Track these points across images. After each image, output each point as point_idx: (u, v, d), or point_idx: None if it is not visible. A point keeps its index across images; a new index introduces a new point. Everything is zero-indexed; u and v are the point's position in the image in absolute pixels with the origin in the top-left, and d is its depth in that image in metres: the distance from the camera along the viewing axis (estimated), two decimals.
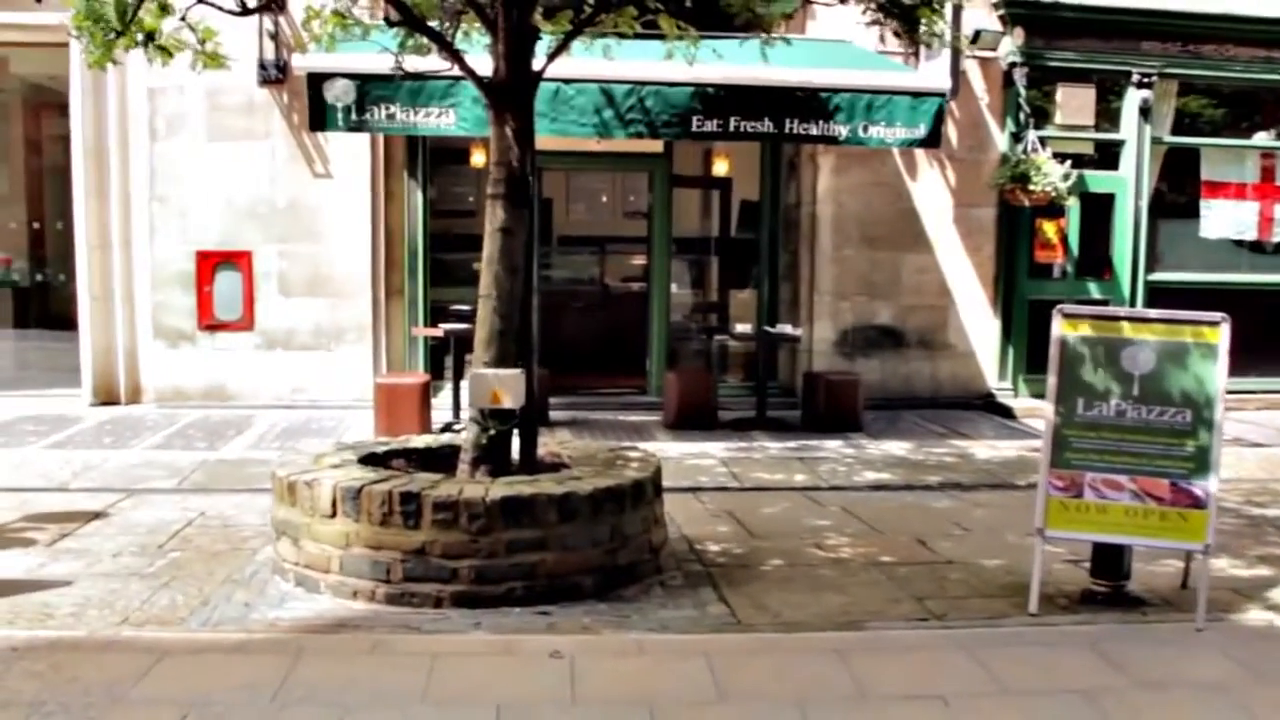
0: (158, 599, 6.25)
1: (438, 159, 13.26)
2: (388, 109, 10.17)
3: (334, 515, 6.11)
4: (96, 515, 8.13)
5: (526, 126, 6.77)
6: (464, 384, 12.35)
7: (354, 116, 10.15)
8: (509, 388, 6.61)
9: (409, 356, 12.76)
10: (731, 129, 10.41)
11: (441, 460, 7.11)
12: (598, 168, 14.59)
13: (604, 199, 17.42)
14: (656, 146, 12.84)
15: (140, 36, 6.94)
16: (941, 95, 10.68)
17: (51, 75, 13.58)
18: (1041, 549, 6.09)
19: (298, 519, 6.27)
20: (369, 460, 6.96)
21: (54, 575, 6.66)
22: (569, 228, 16.85)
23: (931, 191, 13.09)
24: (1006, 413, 12.80)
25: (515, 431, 6.89)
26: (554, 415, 11.91)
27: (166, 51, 6.89)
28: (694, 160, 14.29)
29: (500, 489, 6.07)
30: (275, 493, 6.50)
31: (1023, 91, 13.03)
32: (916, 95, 10.56)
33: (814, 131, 10.45)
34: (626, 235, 15.89)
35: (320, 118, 10.18)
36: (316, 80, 10.19)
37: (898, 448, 10.89)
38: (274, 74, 12.30)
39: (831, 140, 10.66)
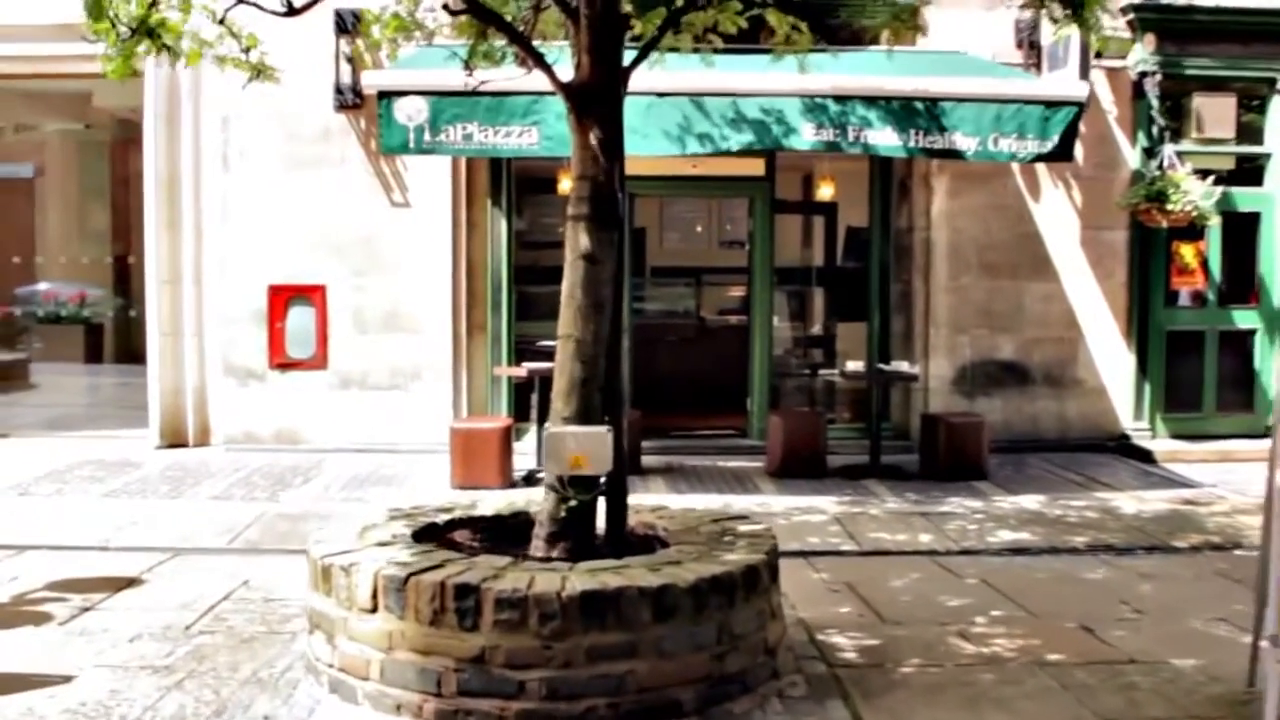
0: (164, 705, 4.94)
1: (523, 185, 11.97)
2: (464, 129, 8.88)
3: (374, 610, 4.75)
4: (130, 582, 6.91)
5: (614, 134, 5.41)
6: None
7: (428, 137, 8.87)
8: (593, 450, 5.22)
9: (492, 398, 11.45)
10: (849, 140, 8.94)
11: (514, 532, 5.73)
12: (695, 193, 13.16)
13: (699, 228, 16.02)
14: (757, 169, 11.43)
15: (161, 39, 5.71)
16: (1079, 104, 9.13)
17: (133, 108, 12.54)
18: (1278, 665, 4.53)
19: (333, 612, 4.93)
20: (426, 534, 5.61)
21: (56, 666, 5.41)
22: (663, 258, 15.47)
23: (1056, 213, 11.51)
24: (1145, 456, 11.13)
25: (601, 499, 5.49)
26: (646, 460, 10.51)
27: (174, 53, 5.68)
28: (796, 184, 12.86)
29: (580, 580, 4.67)
30: (309, 576, 5.17)
31: (1155, 103, 11.42)
32: (1050, 105, 9.02)
33: (938, 145, 8.96)
34: (724, 265, 14.49)
35: (392, 139, 8.92)
36: (388, 98, 8.93)
37: (1031, 500, 9.32)
38: (350, 98, 11.12)
39: (956, 155, 9.15)
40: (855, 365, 10.50)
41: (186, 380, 11.57)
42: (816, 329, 13.56)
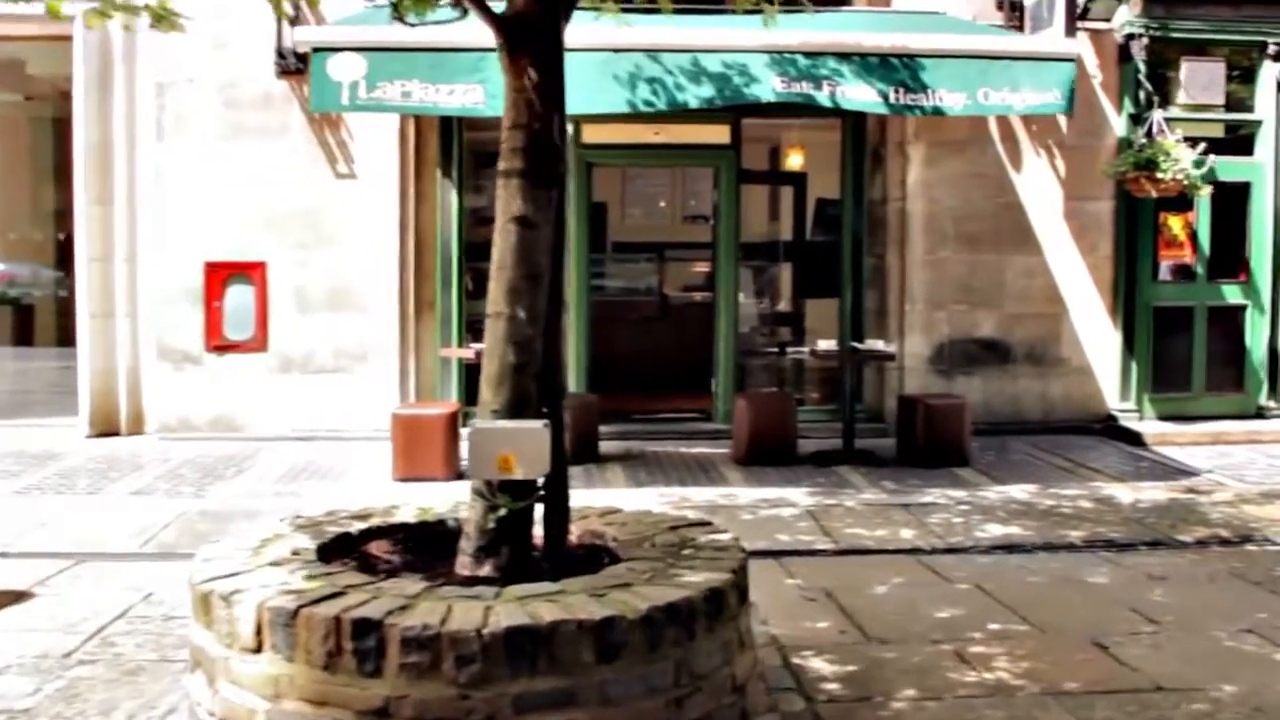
0: None
1: (476, 155, 10.94)
2: (403, 86, 7.90)
3: (259, 649, 3.79)
4: (17, 597, 5.92)
5: (553, 75, 4.43)
6: None
7: (363, 94, 7.89)
8: (527, 448, 4.26)
9: (441, 381, 10.46)
10: (822, 95, 7.98)
11: (442, 543, 4.75)
12: (657, 161, 12.14)
13: (662, 203, 15.03)
14: (722, 136, 10.46)
15: None
16: (1072, 60, 8.22)
17: (69, 76, 11.46)
18: None
19: (213, 649, 3.97)
20: (336, 547, 4.64)
21: None
22: (625, 233, 14.49)
23: (1038, 183, 10.60)
24: (1134, 439, 10.26)
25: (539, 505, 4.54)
26: (605, 447, 9.59)
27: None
28: (764, 154, 11.89)
29: (507, 611, 3.72)
30: (191, 605, 4.20)
31: (1142, 67, 10.51)
32: (1042, 60, 8.09)
33: (922, 102, 8.02)
34: (688, 241, 13.55)
35: (324, 96, 7.94)
36: (322, 54, 7.93)
37: (1018, 489, 8.42)
38: (293, 63, 10.06)
39: (941, 112, 8.20)
40: (827, 344, 9.56)
41: (119, 364, 10.53)
42: (785, 306, 12.65)
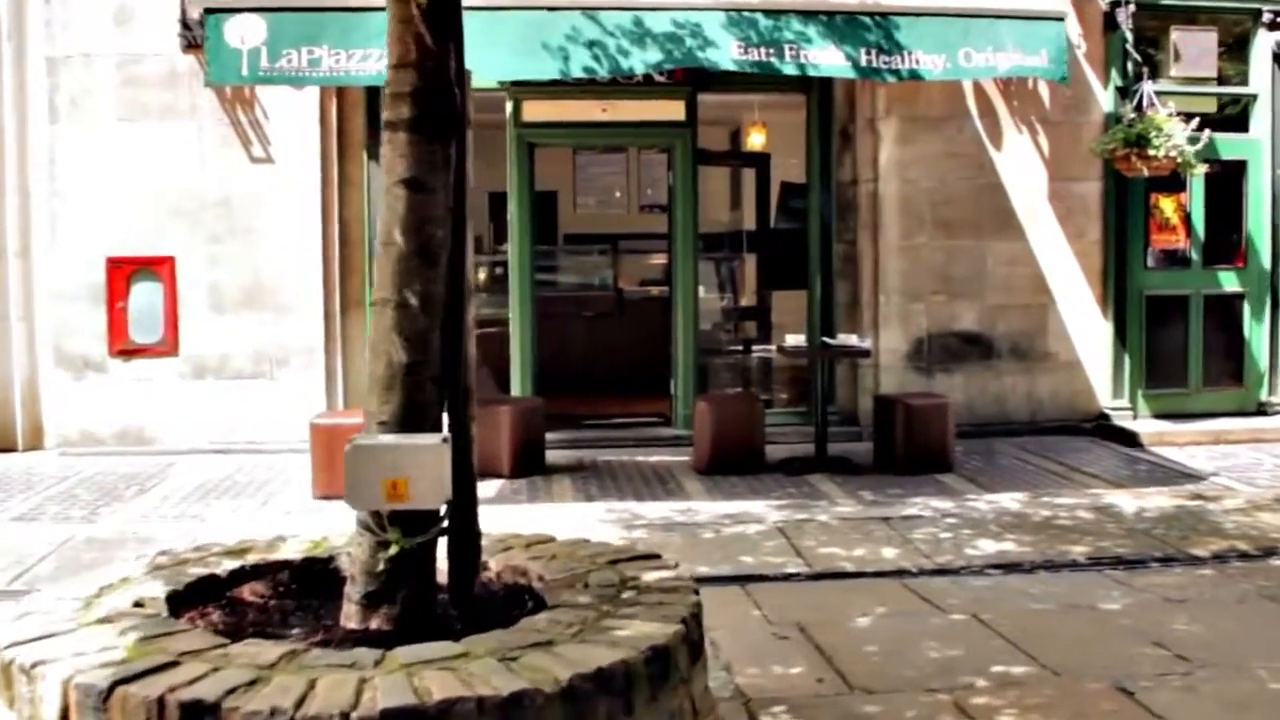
0: None
1: None
2: (311, 52, 7.06)
3: None
4: None
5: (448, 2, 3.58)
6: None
7: (265, 64, 7.05)
8: (422, 471, 3.42)
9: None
10: (784, 60, 7.19)
11: (333, 584, 3.90)
12: (605, 141, 11.18)
13: (618, 192, 14.17)
14: (676, 113, 9.63)
15: None
16: (1060, 19, 7.47)
17: None
18: None
19: None
20: (195, 594, 3.77)
21: None
22: (577, 224, 13.66)
23: (1020, 163, 9.83)
24: (1129, 439, 9.51)
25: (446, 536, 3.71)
26: (553, 456, 8.75)
27: None
28: (722, 132, 11.04)
29: (389, 686, 2.87)
30: None
31: (1129, 36, 9.77)
32: (1026, 19, 7.32)
33: (897, 65, 7.23)
34: (645, 232, 12.71)
35: (222, 67, 7.07)
36: (217, 17, 7.04)
37: (1009, 498, 7.64)
38: (199, 35, 9.05)
39: (917, 77, 7.43)
40: (796, 339, 8.74)
41: (14, 372, 9.56)
42: (749, 299, 11.83)
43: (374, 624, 3.50)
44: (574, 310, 11.71)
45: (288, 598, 3.92)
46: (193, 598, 3.76)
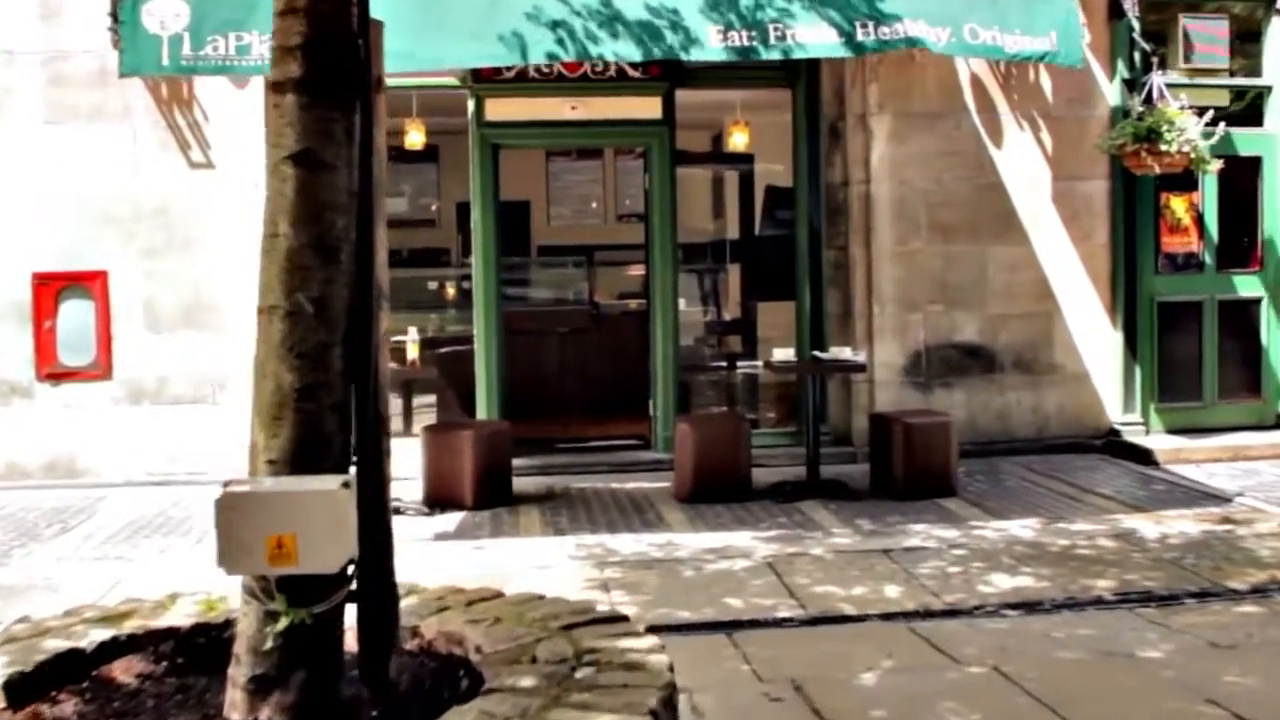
0: None
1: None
2: (240, 38, 6.33)
3: None
4: None
5: None
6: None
7: (187, 51, 6.33)
8: (316, 523, 2.70)
9: None
10: (768, 44, 6.53)
11: (223, 659, 3.17)
12: (576, 141, 10.41)
13: (594, 203, 13.50)
14: (652, 109, 8.96)
15: None
16: None
17: None
18: None
19: None
20: (51, 674, 3.05)
21: None
22: (551, 235, 12.98)
23: (1022, 161, 9.18)
24: (1142, 457, 8.84)
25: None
26: (521, 484, 8.06)
27: None
28: (703, 133, 10.34)
29: None
30: None
31: (1135, 24, 9.14)
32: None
33: (894, 35, 6.55)
34: (622, 243, 12.02)
35: (137, 55, 6.37)
36: (133, 2, 6.35)
37: (1020, 525, 6.95)
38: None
39: (915, 44, 6.76)
40: (784, 354, 8.05)
41: None
42: (734, 312, 11.13)
43: (264, 715, 2.79)
44: (547, 326, 11.01)
45: (171, 675, 3.21)
46: (47, 680, 3.05)
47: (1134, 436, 9.16)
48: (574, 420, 10.09)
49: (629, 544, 6.60)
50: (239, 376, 8.53)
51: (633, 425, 9.49)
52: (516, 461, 8.49)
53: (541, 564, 6.20)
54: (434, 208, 13.33)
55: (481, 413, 8.88)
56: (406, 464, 7.76)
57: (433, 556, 6.36)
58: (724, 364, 10.40)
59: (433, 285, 11.33)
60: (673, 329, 9.07)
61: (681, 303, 10.07)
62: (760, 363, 9.44)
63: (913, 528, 6.90)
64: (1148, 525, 6.91)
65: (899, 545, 6.51)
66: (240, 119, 8.54)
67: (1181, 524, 6.94)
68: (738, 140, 10.09)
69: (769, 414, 10.02)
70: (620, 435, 9.57)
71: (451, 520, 7.30)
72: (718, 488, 7.64)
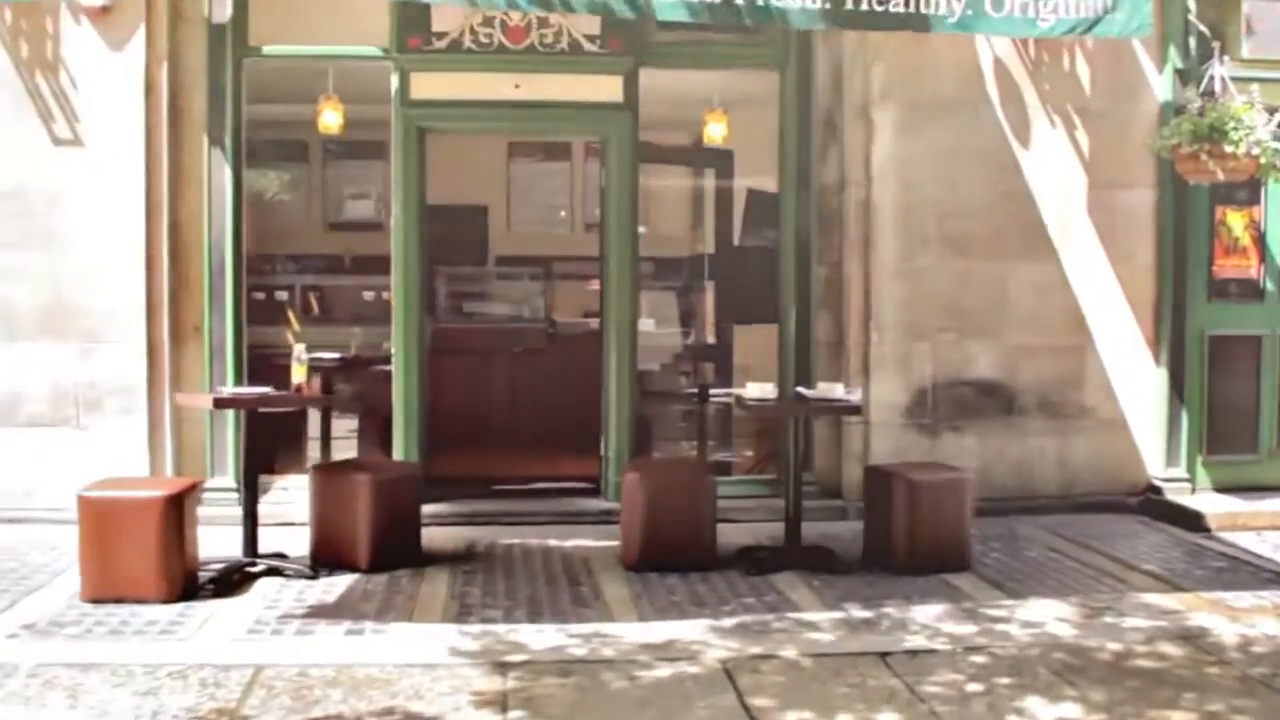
0: None
1: (264, 113, 7.83)
2: None
3: None
4: None
5: None
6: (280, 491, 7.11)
7: None
8: None
9: (214, 439, 7.23)
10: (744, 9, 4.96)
11: None
12: (518, 124, 8.37)
13: (563, 213, 11.89)
14: (612, 92, 7.41)
15: None
16: None
17: None
18: None
19: None
20: None
21: None
22: (511, 244, 11.41)
23: (1052, 164, 7.64)
24: (1190, 521, 7.26)
25: None
26: (439, 538, 6.62)
27: None
28: (672, 121, 8.68)
29: None
30: None
31: (1192, 5, 7.62)
32: None
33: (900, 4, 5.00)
34: (588, 254, 10.43)
35: None
36: None
37: (1054, 616, 5.37)
38: None
39: (922, 26, 5.21)
40: (761, 390, 6.43)
41: None
42: (707, 335, 9.52)
43: None
44: (496, 346, 9.49)
45: None
46: None
47: (1178, 495, 7.58)
48: (518, 457, 8.55)
49: (548, 635, 5.00)
50: (109, 394, 7.08)
51: (586, 465, 7.91)
52: (437, 509, 6.99)
53: (427, 661, 4.62)
54: (381, 210, 11.78)
55: (398, 447, 7.31)
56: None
57: (288, 645, 4.80)
58: (693, 395, 8.80)
59: (368, 296, 9.78)
60: (629, 354, 7.48)
61: (649, 324, 8.56)
62: (734, 397, 7.86)
63: (917, 617, 5.31)
64: (1220, 622, 5.32)
65: (899, 645, 4.92)
66: (116, 89, 7.02)
67: (1263, 620, 5.35)
68: (714, 133, 8.44)
69: (745, 454, 8.44)
70: (570, 477, 8.00)
71: (335, 587, 5.72)
72: (673, 554, 6.05)
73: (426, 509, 7.04)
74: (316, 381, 7.13)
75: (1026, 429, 7.61)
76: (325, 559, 6.06)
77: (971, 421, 7.54)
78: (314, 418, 8.35)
